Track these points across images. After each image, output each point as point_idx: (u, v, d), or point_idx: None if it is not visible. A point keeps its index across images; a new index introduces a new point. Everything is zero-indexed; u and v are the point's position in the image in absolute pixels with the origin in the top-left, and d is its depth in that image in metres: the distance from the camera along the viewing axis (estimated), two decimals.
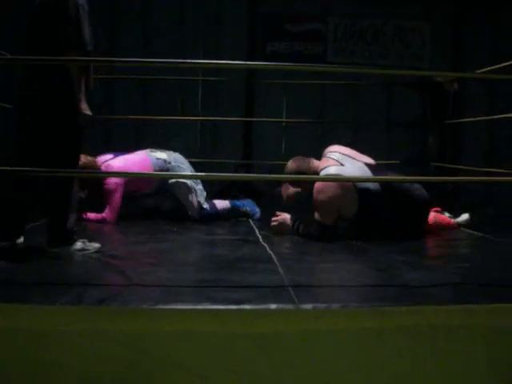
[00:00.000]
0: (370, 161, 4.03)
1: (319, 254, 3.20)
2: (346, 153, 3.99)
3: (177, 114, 6.37)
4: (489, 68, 4.95)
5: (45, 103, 3.03)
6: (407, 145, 7.52)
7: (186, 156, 4.83)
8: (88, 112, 3.09)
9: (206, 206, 4.56)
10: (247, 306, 2.05)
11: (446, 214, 4.43)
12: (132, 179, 4.33)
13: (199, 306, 2.04)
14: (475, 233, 4.03)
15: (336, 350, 2.04)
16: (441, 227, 4.18)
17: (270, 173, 5.90)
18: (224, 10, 7.82)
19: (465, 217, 4.38)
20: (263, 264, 2.81)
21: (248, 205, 4.84)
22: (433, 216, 4.17)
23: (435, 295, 2.25)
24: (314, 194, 3.75)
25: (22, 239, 3.13)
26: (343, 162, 3.87)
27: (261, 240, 3.57)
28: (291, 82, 7.37)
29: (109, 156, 4.48)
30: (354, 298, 2.18)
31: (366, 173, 3.83)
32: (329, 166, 3.84)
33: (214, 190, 7.54)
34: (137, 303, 2.06)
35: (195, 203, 4.47)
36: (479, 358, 2.10)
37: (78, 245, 3.10)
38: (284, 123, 7.32)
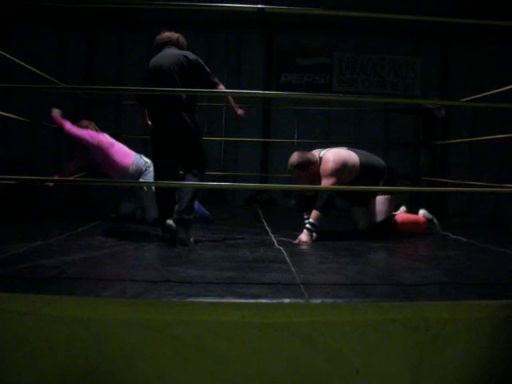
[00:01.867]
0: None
1: (326, 256, 3.19)
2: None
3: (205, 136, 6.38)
4: (471, 97, 4.98)
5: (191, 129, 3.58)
6: (403, 162, 7.60)
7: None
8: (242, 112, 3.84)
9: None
10: (264, 300, 2.05)
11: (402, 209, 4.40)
12: (111, 157, 4.38)
13: (223, 300, 2.04)
14: (461, 238, 3.99)
15: (340, 338, 2.04)
16: (412, 223, 4.14)
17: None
18: (244, 47, 8.10)
19: (422, 211, 4.32)
20: (278, 264, 2.81)
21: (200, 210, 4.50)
22: (401, 216, 4.12)
23: (426, 292, 2.23)
24: (323, 162, 3.94)
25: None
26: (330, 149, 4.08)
27: (275, 243, 3.56)
28: (302, 109, 7.53)
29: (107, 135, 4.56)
30: (356, 294, 2.17)
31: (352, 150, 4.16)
32: (328, 149, 4.05)
33: (241, 199, 7.73)
34: (170, 297, 2.07)
35: (153, 210, 4.09)
36: (462, 347, 2.09)
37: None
38: (295, 143, 7.36)
